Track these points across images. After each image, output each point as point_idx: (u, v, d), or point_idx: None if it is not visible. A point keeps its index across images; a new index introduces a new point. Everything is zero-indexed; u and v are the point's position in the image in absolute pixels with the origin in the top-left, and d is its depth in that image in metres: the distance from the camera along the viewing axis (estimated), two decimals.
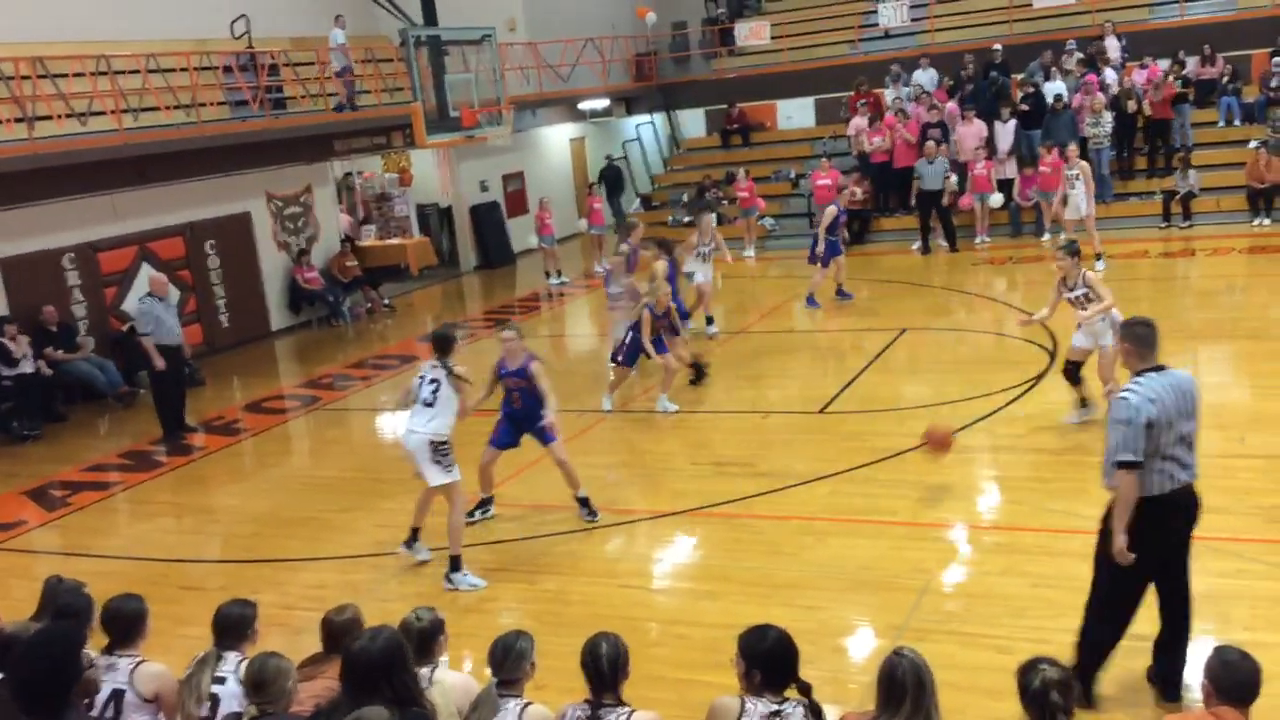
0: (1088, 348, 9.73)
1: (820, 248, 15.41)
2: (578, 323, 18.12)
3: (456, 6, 19.56)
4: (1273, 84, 19.25)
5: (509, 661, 4.38)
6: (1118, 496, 5.32)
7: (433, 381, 7.87)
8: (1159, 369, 5.43)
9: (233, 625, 4.96)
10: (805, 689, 4.16)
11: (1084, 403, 9.82)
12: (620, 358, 11.73)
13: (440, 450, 7.82)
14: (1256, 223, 17.88)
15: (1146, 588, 5.55)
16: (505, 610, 7.59)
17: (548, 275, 20.14)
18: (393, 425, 13.14)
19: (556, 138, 25.45)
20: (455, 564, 7.93)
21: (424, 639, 4.66)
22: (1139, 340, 5.46)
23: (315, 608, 6.71)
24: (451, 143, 18.95)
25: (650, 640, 6.78)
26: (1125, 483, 5.26)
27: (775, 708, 4.04)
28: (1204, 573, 6.95)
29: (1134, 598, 5.56)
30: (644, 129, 25.95)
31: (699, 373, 12.42)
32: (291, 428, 13.25)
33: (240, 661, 4.75)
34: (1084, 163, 15.68)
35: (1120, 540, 5.29)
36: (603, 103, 25.08)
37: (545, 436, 8.80)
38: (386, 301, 19.59)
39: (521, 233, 22.89)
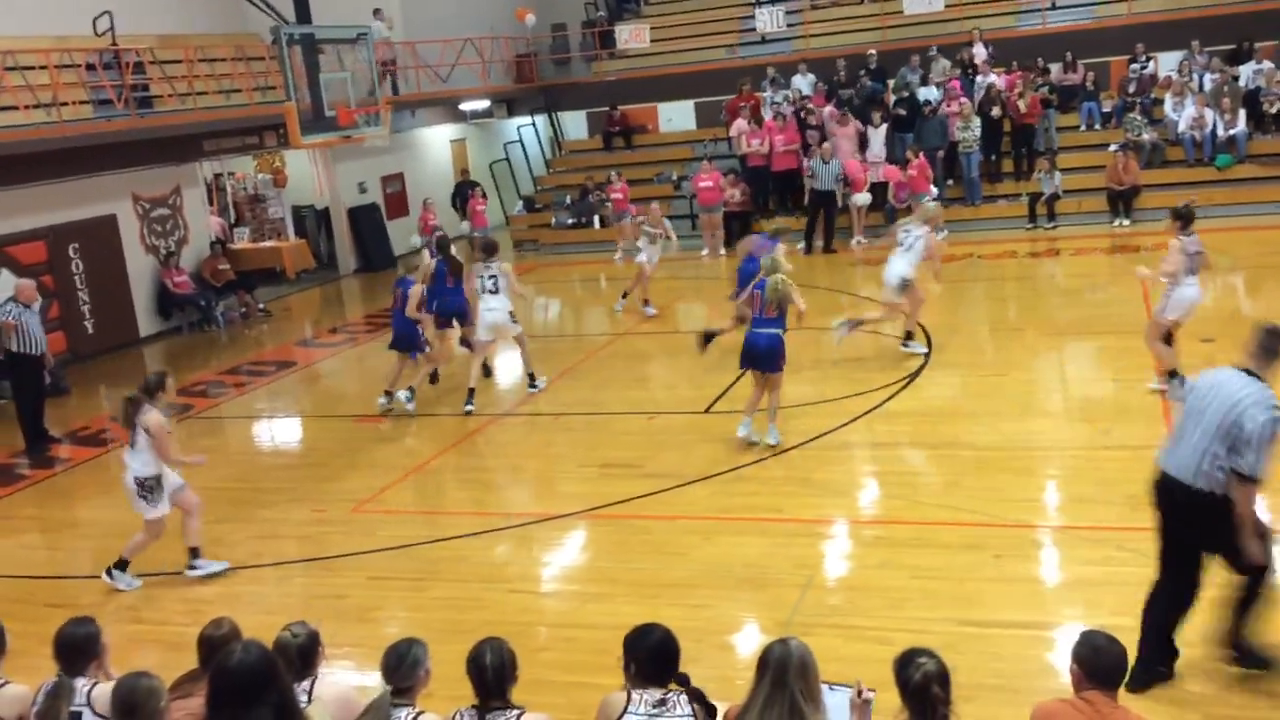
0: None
1: None
2: None
3: (331, 5, 19.17)
4: (1130, 90, 20.15)
5: (402, 669, 4.31)
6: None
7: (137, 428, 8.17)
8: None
9: (79, 646, 4.63)
10: (683, 680, 4.27)
11: (1174, 373, 9.72)
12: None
13: (145, 487, 8.14)
14: (1116, 223, 18.65)
15: (1185, 560, 5.68)
16: (393, 619, 7.47)
17: None
18: (268, 433, 12.89)
19: (437, 139, 25.16)
20: (122, 565, 8.35)
21: (302, 655, 4.51)
22: (1268, 352, 5.58)
23: (191, 623, 6.51)
24: (327, 143, 18.54)
25: (539, 644, 6.75)
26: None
27: (661, 696, 4.14)
28: (1073, 560, 7.26)
29: (1172, 570, 5.73)
30: (525, 130, 25.82)
31: (434, 376, 12.65)
32: None
33: (88, 686, 4.50)
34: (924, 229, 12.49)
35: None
36: (483, 104, 24.87)
37: None
38: (262, 306, 19.11)
39: (402, 235, 22.57)
